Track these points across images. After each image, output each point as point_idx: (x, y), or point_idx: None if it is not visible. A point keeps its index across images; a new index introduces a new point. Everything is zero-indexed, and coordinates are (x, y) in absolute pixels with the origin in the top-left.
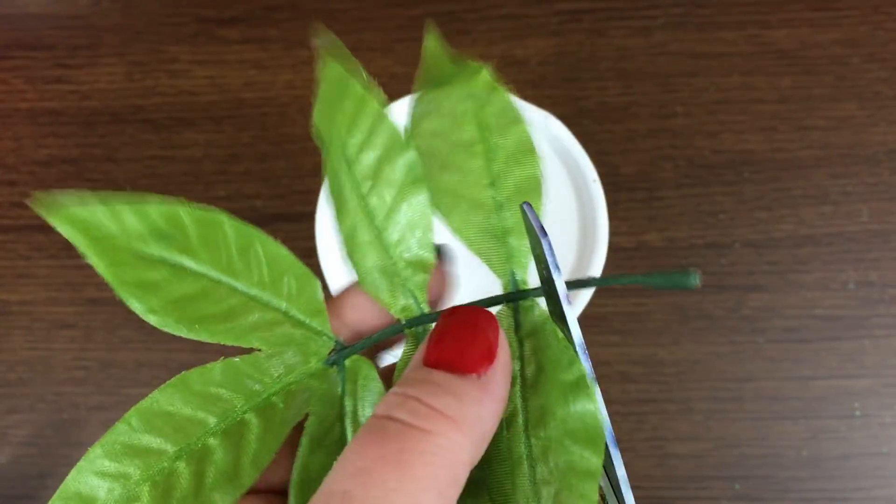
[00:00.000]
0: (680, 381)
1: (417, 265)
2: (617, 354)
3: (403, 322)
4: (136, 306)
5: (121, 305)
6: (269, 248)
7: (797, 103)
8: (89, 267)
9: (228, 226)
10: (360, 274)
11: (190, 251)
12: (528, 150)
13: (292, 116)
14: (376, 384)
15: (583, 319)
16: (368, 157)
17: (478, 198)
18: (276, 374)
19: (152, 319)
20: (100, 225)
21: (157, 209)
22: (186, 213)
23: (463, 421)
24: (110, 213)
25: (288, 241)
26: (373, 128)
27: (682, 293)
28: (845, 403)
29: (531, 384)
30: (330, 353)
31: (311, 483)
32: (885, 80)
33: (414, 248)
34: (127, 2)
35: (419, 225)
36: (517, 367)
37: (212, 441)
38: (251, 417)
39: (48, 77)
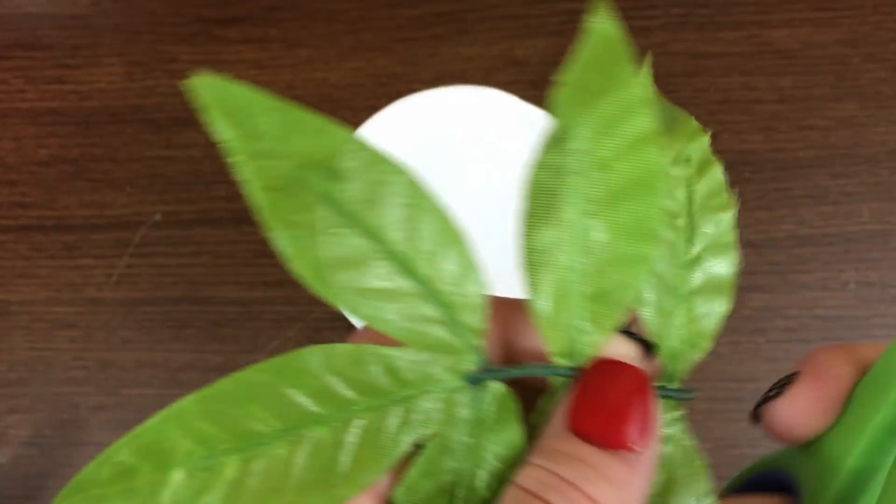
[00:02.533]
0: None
1: (603, 318)
2: None
3: (560, 367)
4: (283, 249)
5: (121, 305)
6: (444, 227)
7: (797, 103)
8: (89, 267)
9: (402, 183)
10: (533, 292)
11: (353, 202)
12: (728, 245)
13: None
14: (514, 429)
15: None
16: (615, 176)
17: (667, 277)
18: (408, 378)
19: (298, 269)
20: (262, 131)
21: (332, 135)
22: (355, 149)
23: None
24: (283, 122)
25: None
26: (634, 145)
27: None
28: None
29: (658, 492)
30: (474, 371)
31: None
32: (886, 80)
33: (615, 302)
34: (127, 2)
35: (628, 283)
36: None
37: (317, 432)
38: (363, 418)
39: (48, 77)
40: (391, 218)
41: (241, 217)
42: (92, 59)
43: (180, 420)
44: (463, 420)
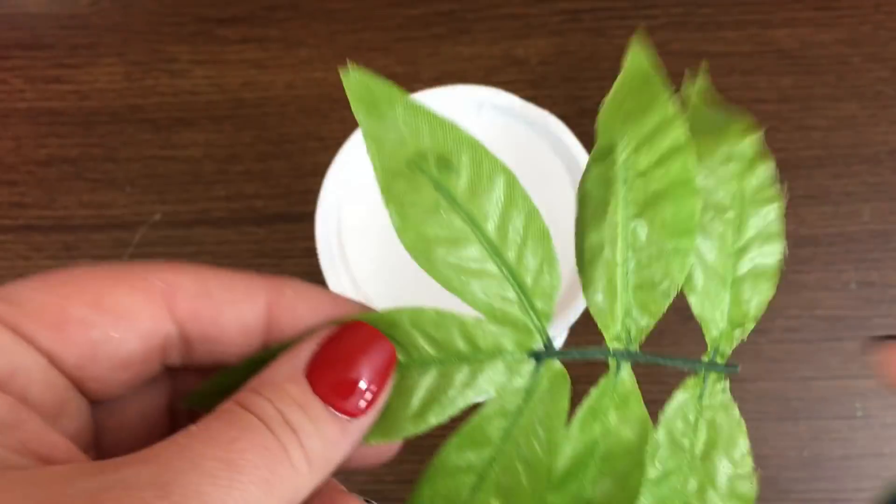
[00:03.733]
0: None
1: (651, 305)
2: None
3: (610, 351)
4: (394, 220)
5: None
6: (533, 223)
7: (798, 103)
8: None
9: (504, 180)
10: (589, 286)
11: (460, 191)
12: (774, 235)
13: (292, 116)
14: (562, 402)
15: (583, 319)
16: (650, 185)
17: (716, 266)
18: (482, 345)
19: (405, 240)
20: (394, 126)
21: (450, 132)
22: (469, 145)
23: (318, 469)
24: (411, 116)
25: (288, 241)
26: (666, 157)
27: (684, 293)
28: (847, 404)
29: (701, 456)
30: (539, 349)
31: (445, 476)
32: (887, 80)
33: (661, 291)
34: (126, 1)
35: (672, 274)
36: (689, 435)
37: (399, 373)
38: (438, 370)
39: (47, 77)
40: (489, 209)
41: (241, 217)
42: (91, 59)
43: None
44: (520, 388)
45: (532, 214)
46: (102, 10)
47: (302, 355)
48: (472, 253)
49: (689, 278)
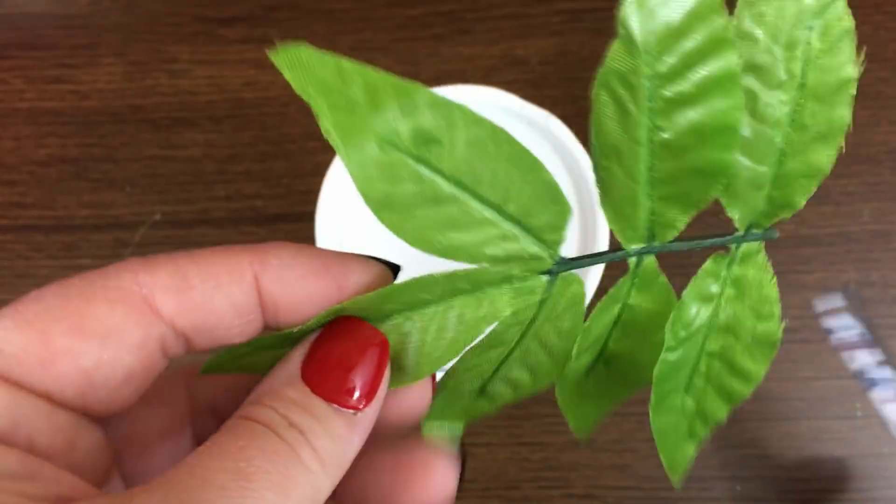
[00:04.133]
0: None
1: (676, 210)
2: None
3: (631, 250)
4: (371, 201)
5: None
6: (522, 163)
7: None
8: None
9: (502, 140)
10: (603, 186)
11: (446, 162)
12: (846, 85)
13: (292, 116)
14: (577, 309)
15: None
16: (686, 82)
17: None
18: (491, 280)
19: (386, 219)
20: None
21: (428, 99)
22: (460, 114)
23: (332, 466)
24: (364, 84)
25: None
26: (710, 48)
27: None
28: (847, 404)
29: (723, 328)
30: (551, 266)
31: (464, 372)
32: (887, 80)
33: (685, 194)
34: (127, 1)
35: (703, 184)
36: (709, 306)
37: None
38: (458, 308)
39: (47, 77)
40: (476, 168)
41: (241, 217)
42: (91, 59)
43: None
44: (533, 303)
45: (518, 157)
46: (102, 10)
47: (295, 360)
48: (466, 213)
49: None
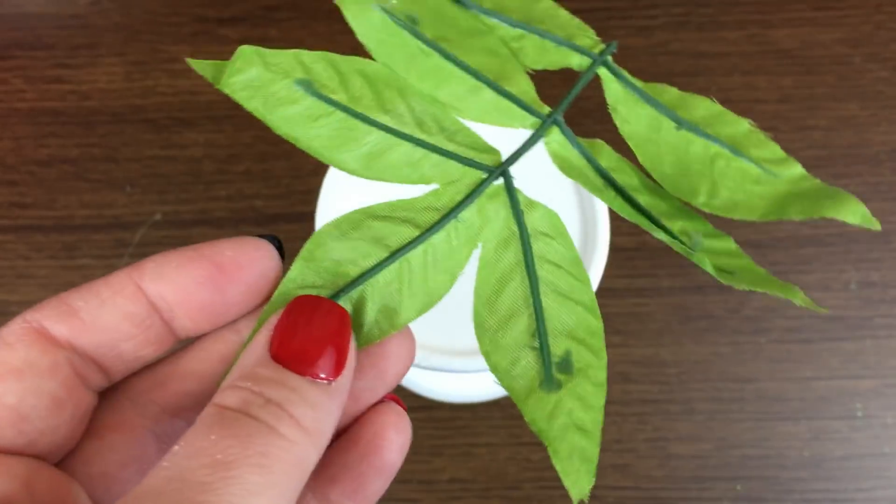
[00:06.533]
0: (681, 381)
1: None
2: (618, 355)
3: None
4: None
5: None
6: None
7: (799, 103)
8: (89, 267)
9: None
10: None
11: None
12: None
13: None
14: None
15: None
16: None
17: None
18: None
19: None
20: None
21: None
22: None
23: (315, 432)
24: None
25: (288, 241)
26: None
27: (683, 293)
28: (847, 404)
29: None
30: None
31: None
32: (887, 80)
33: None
34: (127, 1)
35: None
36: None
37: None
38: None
39: (48, 77)
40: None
41: (241, 217)
42: (92, 59)
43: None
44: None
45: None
46: (102, 10)
47: (261, 342)
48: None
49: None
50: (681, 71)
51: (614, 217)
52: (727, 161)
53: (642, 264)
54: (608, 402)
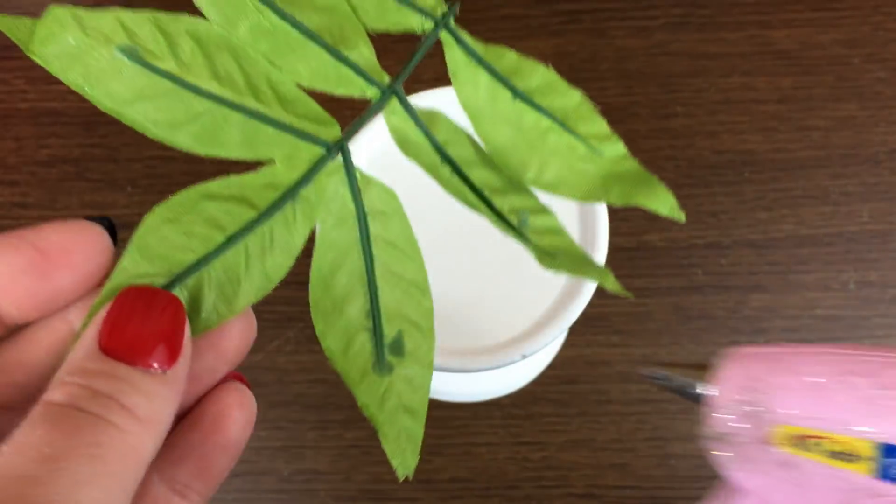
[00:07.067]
0: None
1: None
2: (617, 354)
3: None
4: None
5: None
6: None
7: (797, 103)
8: None
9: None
10: None
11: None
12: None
13: None
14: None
15: (583, 319)
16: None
17: None
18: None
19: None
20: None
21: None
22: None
23: (151, 421)
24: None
25: None
26: None
27: (683, 293)
28: None
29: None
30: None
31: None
32: (886, 81)
33: None
34: (126, 2)
35: None
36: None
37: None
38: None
39: (49, 77)
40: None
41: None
42: None
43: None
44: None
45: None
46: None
47: (89, 336)
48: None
49: None
50: (680, 71)
51: (613, 217)
52: (558, 136)
53: (642, 264)
54: (608, 402)
